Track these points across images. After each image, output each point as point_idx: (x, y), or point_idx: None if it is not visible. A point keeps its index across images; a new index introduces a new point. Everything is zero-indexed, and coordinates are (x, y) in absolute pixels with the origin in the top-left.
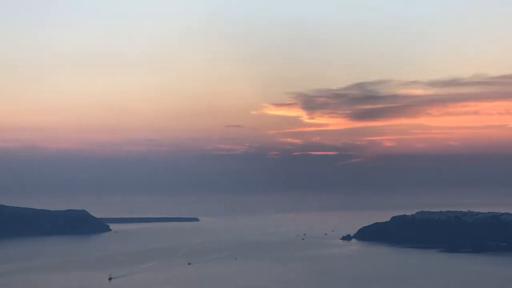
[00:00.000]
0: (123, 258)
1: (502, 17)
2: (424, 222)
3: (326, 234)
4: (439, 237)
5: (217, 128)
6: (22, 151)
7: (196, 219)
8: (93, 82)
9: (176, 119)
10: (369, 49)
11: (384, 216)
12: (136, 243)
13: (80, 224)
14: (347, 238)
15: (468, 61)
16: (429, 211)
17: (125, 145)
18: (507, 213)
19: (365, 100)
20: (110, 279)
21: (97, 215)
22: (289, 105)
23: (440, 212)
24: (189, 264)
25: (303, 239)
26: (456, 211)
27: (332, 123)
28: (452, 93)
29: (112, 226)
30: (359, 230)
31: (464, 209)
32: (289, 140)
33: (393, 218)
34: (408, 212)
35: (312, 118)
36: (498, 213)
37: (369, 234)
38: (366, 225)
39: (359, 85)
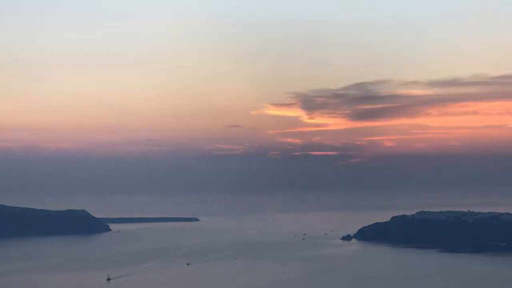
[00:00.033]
0: (123, 258)
1: (502, 17)
2: (424, 222)
3: (326, 234)
4: (439, 237)
5: (217, 128)
6: (22, 151)
7: (196, 219)
8: (93, 82)
9: (176, 119)
10: (369, 49)
11: (384, 216)
12: (136, 243)
13: (80, 224)
14: (347, 238)
15: (467, 61)
16: (429, 211)
17: (125, 145)
18: (507, 213)
19: (364, 100)
20: (108, 279)
21: (97, 215)
22: (289, 105)
23: (440, 212)
24: (188, 264)
25: (303, 239)
26: (456, 211)
27: (332, 123)
28: (452, 93)
29: (112, 226)
30: (359, 230)
31: (464, 209)
32: (289, 140)
33: (393, 218)
34: (408, 212)
35: (312, 118)
36: (498, 213)
37: (369, 234)
38: (366, 225)
39: (359, 85)
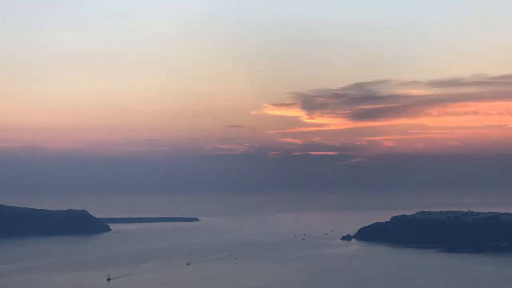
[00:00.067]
0: (123, 258)
1: (502, 17)
2: (424, 222)
3: (326, 234)
4: (439, 237)
5: (217, 128)
6: (22, 151)
7: (196, 219)
8: (93, 82)
9: (176, 119)
10: (369, 49)
11: (384, 216)
12: (136, 243)
13: (80, 224)
14: (347, 238)
15: (467, 61)
16: (429, 211)
17: (125, 145)
18: (507, 213)
19: (364, 100)
20: (108, 279)
21: (97, 215)
22: (288, 105)
23: (440, 212)
24: (188, 264)
25: (303, 239)
26: (456, 211)
27: (332, 123)
28: (452, 93)
29: (112, 226)
30: (359, 230)
31: (464, 209)
32: (289, 140)
33: (393, 218)
34: (408, 212)
35: (312, 118)
36: (498, 213)
37: (369, 234)
38: (366, 225)
39: (359, 85)
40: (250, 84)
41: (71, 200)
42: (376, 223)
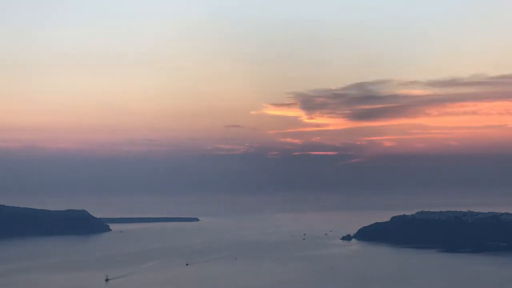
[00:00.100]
0: (123, 258)
1: (501, 17)
2: (424, 222)
3: (326, 234)
4: (439, 237)
5: (217, 128)
6: (22, 151)
7: (196, 219)
8: (93, 82)
9: (176, 119)
10: (369, 49)
11: (384, 216)
12: (135, 243)
13: (80, 224)
14: (347, 238)
15: (467, 61)
16: (429, 211)
17: (125, 145)
18: (507, 213)
19: (364, 100)
20: (107, 280)
21: (97, 215)
22: (288, 105)
23: (440, 212)
24: (186, 264)
25: (303, 239)
26: (456, 211)
27: (332, 123)
28: (452, 93)
29: (112, 226)
30: (359, 230)
31: (464, 209)
32: (289, 140)
33: (393, 218)
34: (408, 212)
35: (312, 118)
36: (498, 213)
37: (369, 234)
38: (366, 225)
39: (359, 85)
40: (250, 84)
41: (71, 200)
42: (376, 223)
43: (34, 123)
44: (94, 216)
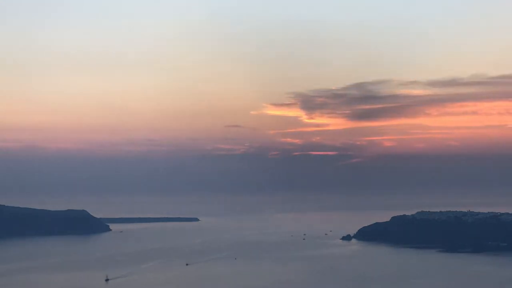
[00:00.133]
0: (123, 258)
1: (501, 17)
2: (424, 222)
3: (326, 234)
4: (439, 237)
5: (217, 128)
6: (22, 151)
7: (196, 219)
8: (93, 82)
9: (176, 119)
10: (369, 49)
11: (384, 216)
12: (135, 243)
13: (80, 224)
14: (347, 238)
15: (467, 61)
16: (429, 211)
17: (125, 145)
18: (507, 213)
19: (364, 100)
20: (107, 280)
21: (97, 215)
22: (288, 105)
23: (440, 212)
24: (186, 265)
25: (303, 239)
26: (456, 211)
27: (332, 123)
28: (452, 93)
29: (112, 226)
30: (359, 230)
31: (464, 209)
32: (289, 140)
33: (393, 218)
34: (408, 212)
35: (312, 118)
36: (498, 213)
37: (369, 234)
38: (366, 225)
39: (359, 85)
40: (250, 84)
41: (71, 200)
42: (376, 223)
43: (34, 123)
44: (94, 216)
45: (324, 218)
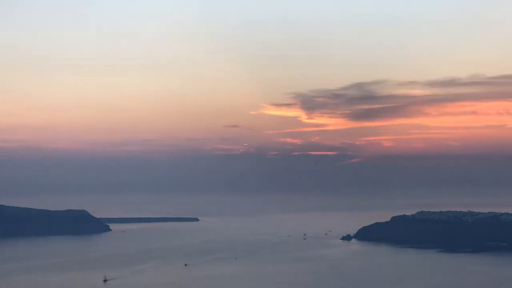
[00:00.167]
0: (122, 259)
1: (500, 17)
2: (424, 222)
3: (326, 234)
4: (439, 237)
5: (216, 128)
6: (22, 151)
7: (196, 219)
8: (93, 82)
9: (176, 119)
10: (368, 49)
11: (384, 216)
12: (135, 243)
13: (80, 224)
14: (347, 238)
15: (466, 61)
16: (429, 211)
17: (125, 145)
18: (507, 213)
19: (364, 100)
20: (105, 280)
21: (97, 215)
22: (288, 105)
23: (440, 212)
24: (185, 265)
25: (304, 239)
26: (456, 211)
27: (331, 123)
28: (451, 93)
29: (112, 226)
30: (359, 230)
31: (464, 209)
32: (288, 140)
33: (393, 218)
34: (408, 212)
35: (311, 118)
36: (498, 213)
37: (369, 234)
38: (366, 225)
39: (358, 85)
40: (249, 84)
41: (71, 200)
42: (376, 223)
43: (34, 123)
44: (94, 216)
45: (324, 218)
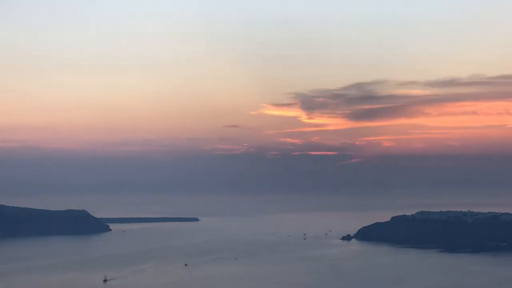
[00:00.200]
0: (122, 259)
1: (500, 17)
2: (424, 222)
3: (326, 234)
4: (439, 237)
5: (216, 128)
6: (22, 151)
7: (196, 219)
8: (93, 82)
9: (176, 119)
10: (368, 49)
11: (384, 216)
12: (135, 243)
13: (80, 224)
14: (347, 238)
15: (466, 61)
16: (429, 211)
17: (125, 145)
18: (507, 213)
19: (364, 100)
20: (105, 281)
21: (97, 215)
22: (288, 105)
23: (440, 212)
24: (185, 265)
25: (304, 239)
26: (456, 211)
27: (331, 123)
28: (451, 93)
29: (112, 226)
30: (359, 230)
31: (464, 209)
32: (288, 140)
33: (393, 218)
34: (408, 212)
35: (311, 118)
36: (498, 213)
37: (369, 234)
38: (366, 225)
39: (358, 85)
40: (249, 84)
41: (71, 200)
42: (376, 223)
43: (34, 123)
44: (94, 216)
45: (324, 218)
